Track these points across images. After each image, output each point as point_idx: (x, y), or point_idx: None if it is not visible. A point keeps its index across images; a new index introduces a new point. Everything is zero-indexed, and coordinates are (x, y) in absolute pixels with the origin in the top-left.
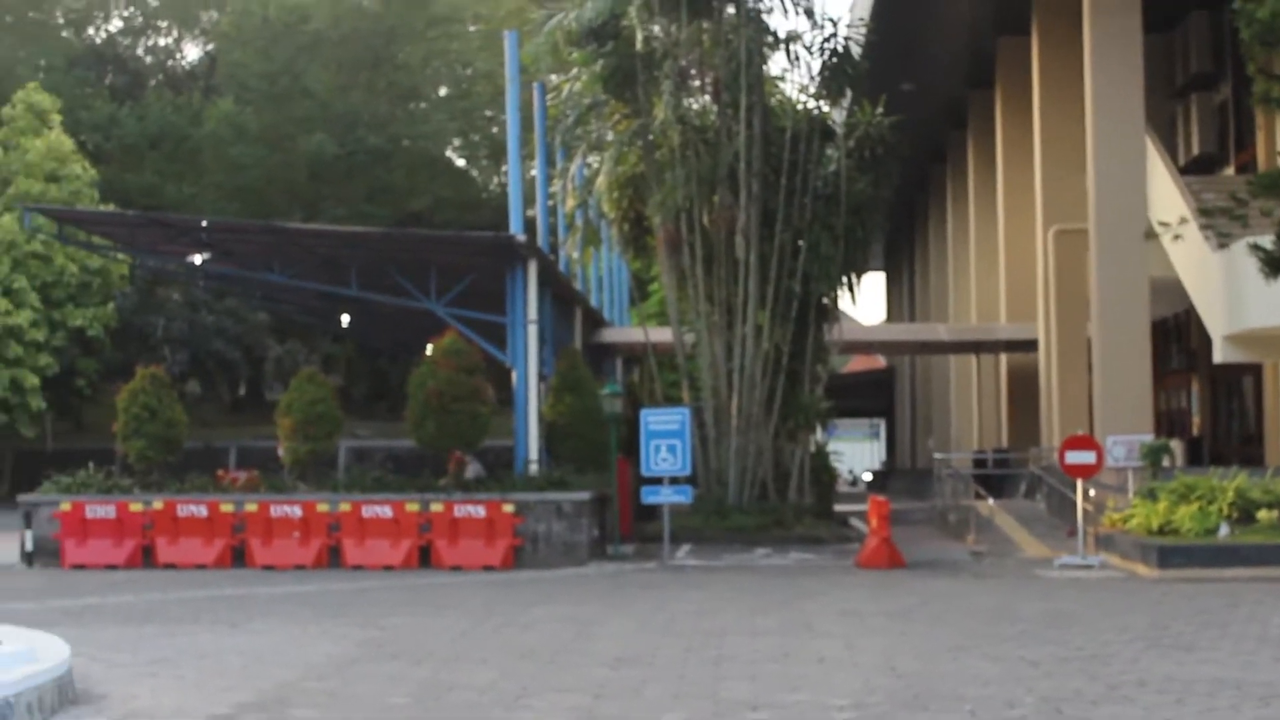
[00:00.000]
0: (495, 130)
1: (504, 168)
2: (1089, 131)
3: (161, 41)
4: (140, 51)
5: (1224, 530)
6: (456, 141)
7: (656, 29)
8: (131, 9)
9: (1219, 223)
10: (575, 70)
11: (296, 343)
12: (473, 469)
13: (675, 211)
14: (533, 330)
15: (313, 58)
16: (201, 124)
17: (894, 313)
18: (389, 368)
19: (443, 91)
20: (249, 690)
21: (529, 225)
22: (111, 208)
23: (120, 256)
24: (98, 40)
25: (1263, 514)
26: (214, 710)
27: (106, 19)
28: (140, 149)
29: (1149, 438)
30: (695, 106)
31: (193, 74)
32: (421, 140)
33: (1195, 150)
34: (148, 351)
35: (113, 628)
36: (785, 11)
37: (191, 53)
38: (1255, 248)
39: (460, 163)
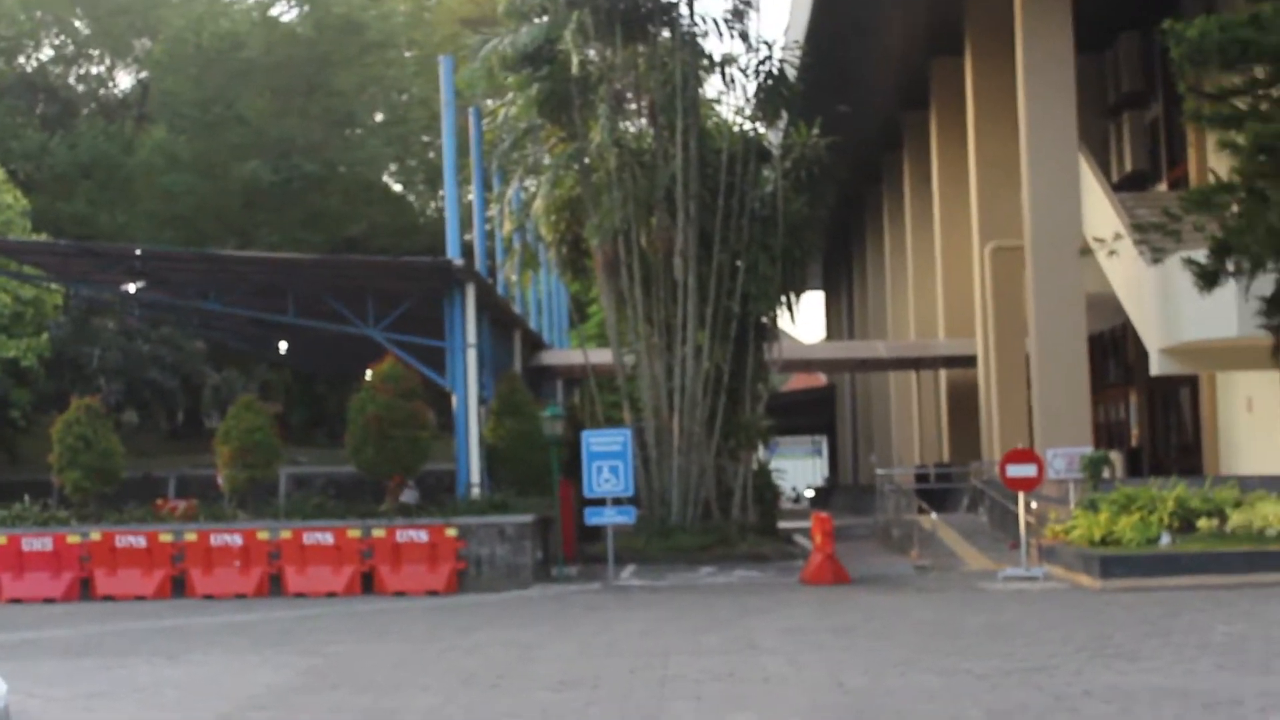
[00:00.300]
0: (431, 155)
1: (440, 192)
2: (1023, 150)
3: (94, 70)
4: (72, 80)
5: (1165, 540)
6: (393, 167)
7: (592, 53)
8: (63, 37)
9: (1152, 238)
10: (511, 95)
11: (234, 370)
12: (409, 494)
13: (613, 234)
14: (472, 354)
15: (246, 85)
16: (134, 152)
17: (833, 331)
18: (327, 394)
19: (378, 117)
20: None
21: (467, 249)
22: (44, 237)
23: (54, 286)
24: (28, 69)
25: (1203, 523)
26: None
27: (37, 47)
28: (72, 178)
29: (1088, 450)
30: (631, 130)
31: (125, 102)
32: (357, 166)
33: (1128, 167)
34: (83, 381)
35: (49, 661)
36: (720, 35)
37: (124, 81)
38: (1189, 262)
39: (397, 188)
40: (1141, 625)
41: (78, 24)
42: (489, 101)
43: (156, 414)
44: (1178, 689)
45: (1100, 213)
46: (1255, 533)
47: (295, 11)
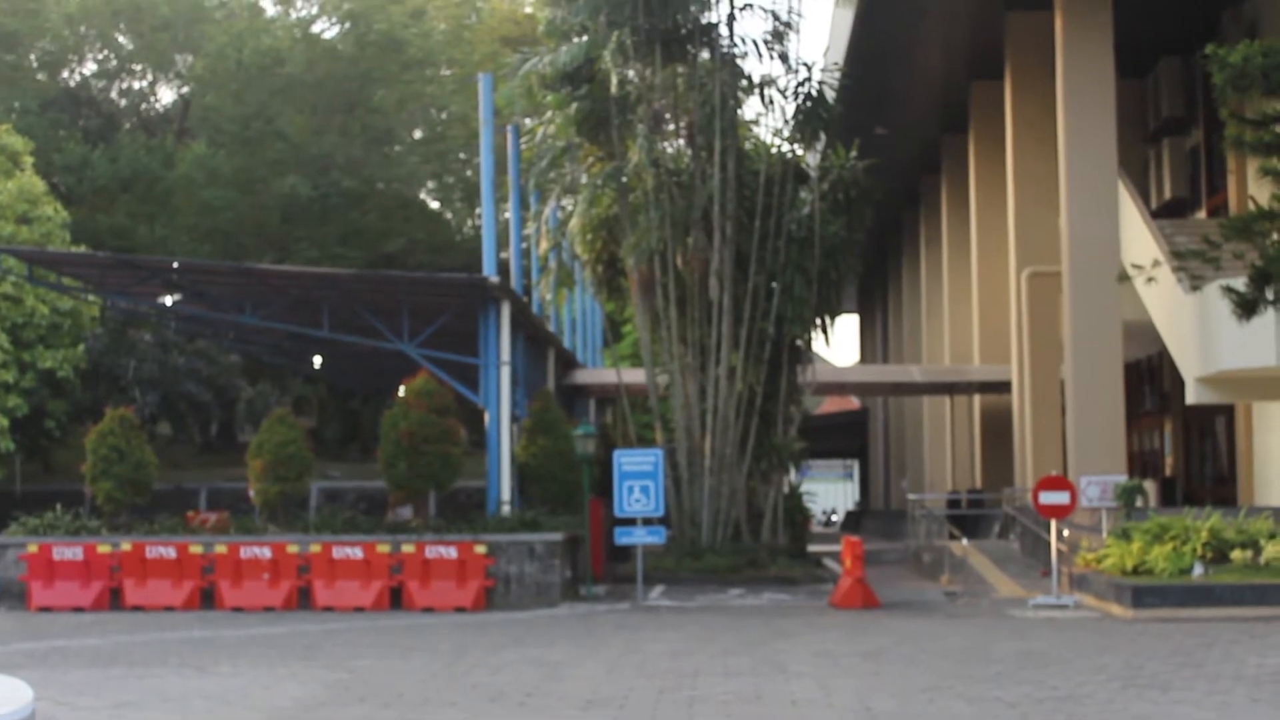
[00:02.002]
0: (469, 173)
1: (477, 210)
2: (1062, 175)
3: (136, 85)
4: (114, 94)
5: (1198, 570)
6: (431, 184)
7: (631, 73)
8: (106, 52)
9: (1191, 265)
10: (549, 114)
11: (268, 384)
12: (403, 512)
13: (649, 254)
14: (505, 372)
15: (286, 101)
16: (174, 166)
17: (867, 354)
18: (361, 409)
19: (417, 134)
20: None
21: (503, 267)
22: (83, 249)
23: (91, 298)
24: (71, 83)
25: (1236, 554)
26: None
27: (80, 62)
28: (112, 191)
29: (1123, 478)
30: (669, 150)
31: (166, 117)
32: (395, 183)
33: (1167, 194)
34: (118, 393)
35: (78, 671)
36: (760, 56)
37: (165, 96)
38: (1228, 290)
39: (434, 205)
40: (1174, 656)
41: (121, 39)
42: (527, 120)
43: (190, 426)
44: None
45: (1139, 239)
46: None
47: (336, 29)
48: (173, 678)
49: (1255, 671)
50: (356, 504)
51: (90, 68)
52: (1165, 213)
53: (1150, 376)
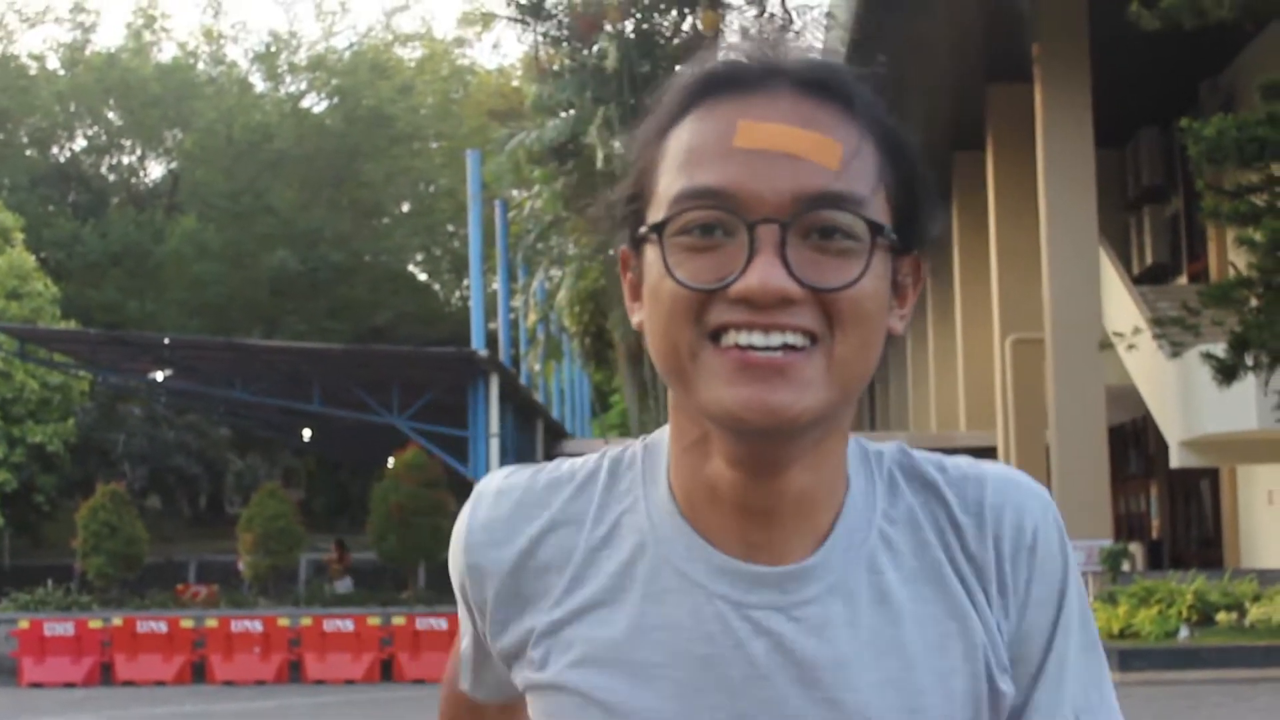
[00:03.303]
0: (457, 244)
1: (465, 282)
2: (1043, 244)
3: (125, 159)
4: (104, 169)
5: (1184, 633)
6: (419, 256)
7: (618, 145)
8: (96, 128)
9: (1171, 332)
10: (536, 187)
11: (257, 457)
12: (343, 585)
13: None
14: (494, 444)
15: (276, 176)
16: (164, 241)
17: (854, 422)
18: (350, 481)
19: (405, 207)
20: None
21: (491, 338)
22: (73, 324)
23: (81, 374)
24: (61, 159)
25: (1222, 616)
26: None
27: (70, 138)
28: (102, 266)
29: (1108, 542)
30: None
31: (155, 192)
32: (383, 256)
33: (1149, 260)
34: (108, 467)
35: None
36: None
37: (155, 170)
38: (1208, 356)
39: (422, 277)
40: (1158, 716)
41: (110, 115)
42: (515, 193)
43: (179, 499)
44: None
45: (1121, 306)
46: (1275, 626)
47: (325, 103)
48: None
49: None
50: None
51: (80, 143)
52: (1147, 279)
53: (1136, 440)
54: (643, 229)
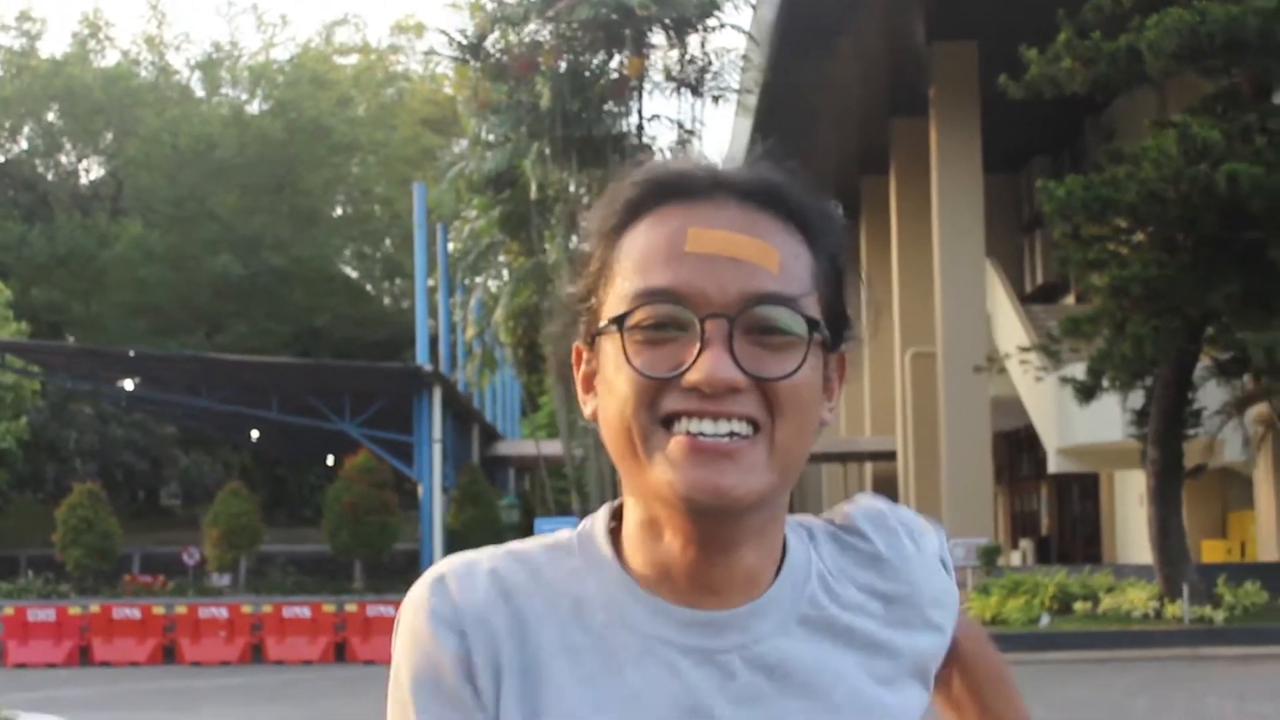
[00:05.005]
0: (390, 248)
1: (398, 283)
2: (936, 267)
3: (64, 159)
4: (43, 170)
5: (1045, 620)
6: (354, 261)
7: (551, 174)
8: (37, 131)
9: (1037, 357)
10: (475, 214)
11: (201, 454)
12: (218, 578)
13: (567, 340)
14: (437, 449)
15: (218, 183)
16: (110, 245)
17: None
18: (287, 476)
19: (341, 212)
20: None
21: (431, 343)
22: (23, 325)
23: (34, 369)
24: (2, 159)
25: (1078, 605)
26: None
27: (14, 140)
28: (49, 268)
29: (985, 540)
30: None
31: (97, 194)
32: (321, 261)
33: (1040, 279)
34: (58, 463)
35: (86, 715)
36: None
37: (94, 171)
38: (1066, 380)
39: (360, 280)
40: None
41: (51, 117)
42: (457, 222)
43: (123, 494)
44: None
45: (1008, 323)
46: (1123, 614)
47: (267, 113)
48: (165, 717)
49: (1064, 700)
50: (286, 568)
51: (23, 145)
52: (1039, 298)
53: (1028, 444)
54: (602, 323)
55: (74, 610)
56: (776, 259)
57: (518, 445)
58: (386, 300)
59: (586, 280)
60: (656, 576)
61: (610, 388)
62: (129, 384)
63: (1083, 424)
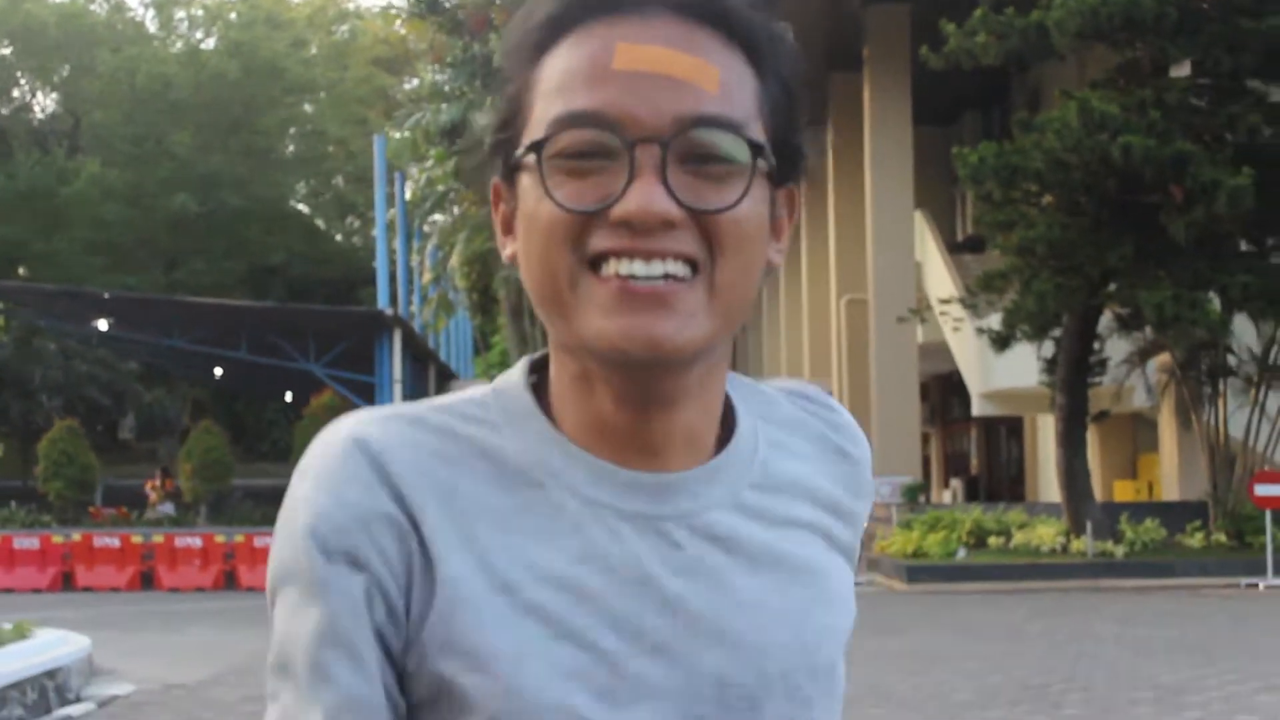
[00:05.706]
0: (343, 186)
1: (350, 220)
2: (868, 217)
3: (15, 94)
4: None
5: (961, 553)
6: (309, 200)
7: None
8: None
9: (954, 309)
10: (431, 163)
11: (162, 390)
12: (165, 508)
13: (517, 285)
14: (398, 388)
15: (175, 122)
16: (69, 182)
17: None
18: (244, 411)
19: (294, 149)
20: (218, 665)
21: (390, 283)
22: None
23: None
24: None
25: (993, 540)
26: (201, 676)
27: None
28: (12, 204)
29: (909, 479)
30: None
31: (54, 130)
32: (277, 199)
33: (970, 230)
34: (25, 398)
35: (82, 632)
36: None
37: (49, 107)
38: (982, 331)
39: (313, 217)
40: (923, 615)
41: (4, 52)
42: (414, 169)
43: (87, 429)
44: (915, 648)
45: (937, 272)
46: (1033, 549)
47: (222, 53)
48: (156, 635)
49: (966, 622)
50: (243, 501)
51: None
52: (968, 247)
53: (958, 388)
54: (519, 151)
55: (57, 539)
56: (716, 77)
57: (472, 384)
58: (339, 238)
59: (504, 108)
60: (588, 436)
61: (530, 226)
62: (103, 324)
63: (1003, 370)
